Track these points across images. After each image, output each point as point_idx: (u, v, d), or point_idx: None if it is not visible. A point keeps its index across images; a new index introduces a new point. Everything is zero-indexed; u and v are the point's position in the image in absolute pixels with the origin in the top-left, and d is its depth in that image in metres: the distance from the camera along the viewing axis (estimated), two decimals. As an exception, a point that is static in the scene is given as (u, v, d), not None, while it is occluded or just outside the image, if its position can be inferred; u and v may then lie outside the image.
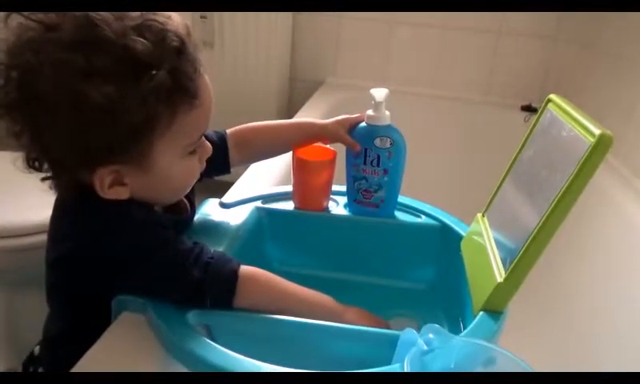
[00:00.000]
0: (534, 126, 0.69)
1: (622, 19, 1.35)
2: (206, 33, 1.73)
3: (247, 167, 1.06)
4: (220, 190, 0.91)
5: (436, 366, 0.50)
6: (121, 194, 0.59)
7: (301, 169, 0.83)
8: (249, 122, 0.83)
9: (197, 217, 0.79)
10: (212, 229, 0.78)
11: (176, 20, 0.57)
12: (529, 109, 1.68)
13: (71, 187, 0.60)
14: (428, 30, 1.76)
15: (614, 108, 1.33)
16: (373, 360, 0.53)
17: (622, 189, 1.19)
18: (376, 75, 1.82)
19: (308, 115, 1.52)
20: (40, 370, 0.73)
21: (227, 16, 1.70)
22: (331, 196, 0.87)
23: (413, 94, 1.76)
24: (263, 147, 0.84)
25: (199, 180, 0.70)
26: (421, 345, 0.51)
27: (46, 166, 0.59)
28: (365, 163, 0.81)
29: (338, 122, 0.82)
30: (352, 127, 0.82)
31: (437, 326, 0.52)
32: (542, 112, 0.68)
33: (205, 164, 0.67)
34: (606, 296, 1.07)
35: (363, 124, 0.81)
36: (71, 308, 0.67)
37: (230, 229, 0.78)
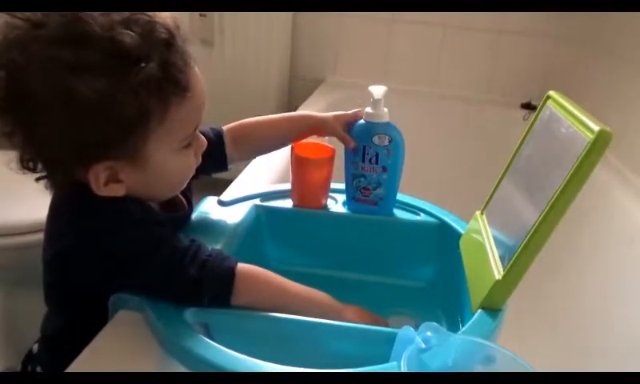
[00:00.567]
0: (533, 122, 0.69)
1: (622, 18, 1.35)
2: (205, 31, 1.73)
3: (245, 165, 1.05)
4: (218, 187, 0.91)
5: (434, 363, 0.50)
6: (117, 190, 0.59)
7: (299, 166, 0.83)
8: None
9: (195, 215, 0.79)
10: (210, 227, 0.78)
11: (164, 14, 0.57)
12: (528, 107, 1.67)
13: (67, 186, 0.60)
14: (428, 29, 1.75)
15: (614, 106, 1.33)
16: (370, 358, 0.53)
17: (621, 186, 1.19)
18: (376, 73, 1.81)
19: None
20: (38, 368, 0.72)
21: (227, 14, 1.70)
22: (330, 194, 0.87)
23: (413, 92, 1.76)
24: (261, 142, 0.84)
25: (196, 177, 0.70)
26: (419, 342, 0.50)
27: (40, 166, 0.58)
28: (363, 161, 0.81)
29: (335, 116, 0.82)
30: (348, 123, 0.81)
31: (435, 323, 0.52)
32: (541, 109, 0.68)
33: (200, 159, 0.67)
34: (606, 293, 1.07)
35: (362, 121, 0.80)
36: (68, 307, 0.67)
37: (229, 227, 0.78)
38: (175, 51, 0.56)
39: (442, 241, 0.81)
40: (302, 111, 0.85)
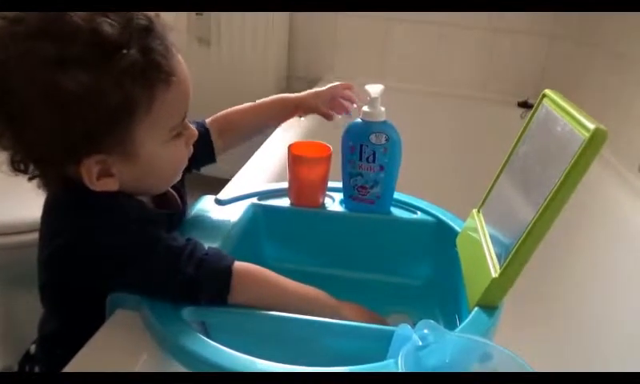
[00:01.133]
0: (530, 121, 0.69)
1: (619, 16, 1.35)
2: (202, 30, 1.73)
3: (243, 164, 1.05)
4: (216, 186, 0.91)
5: (431, 361, 0.50)
6: (110, 185, 0.59)
7: (297, 165, 0.83)
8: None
9: (193, 214, 0.79)
10: (208, 226, 0.78)
11: None
12: (525, 105, 1.68)
13: (60, 183, 0.60)
14: (424, 27, 1.76)
15: (611, 104, 1.33)
16: (368, 355, 0.53)
17: (618, 184, 1.19)
18: (373, 72, 1.81)
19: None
20: (36, 368, 0.72)
21: (224, 13, 1.70)
22: (327, 192, 0.87)
23: (409, 90, 1.76)
24: (246, 128, 0.85)
25: (188, 171, 0.70)
26: (416, 340, 0.51)
27: (32, 167, 0.58)
28: (360, 159, 0.81)
29: (314, 93, 0.84)
30: (327, 98, 0.84)
31: (432, 321, 0.52)
32: (537, 107, 0.68)
33: (192, 149, 0.67)
34: (602, 291, 1.07)
35: (359, 120, 0.81)
36: (65, 307, 0.67)
37: (226, 226, 0.78)
38: (155, 37, 0.56)
39: (439, 239, 0.81)
40: (280, 94, 0.86)
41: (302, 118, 0.88)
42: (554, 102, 0.64)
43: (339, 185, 0.86)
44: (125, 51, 0.53)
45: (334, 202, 0.87)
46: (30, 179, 0.60)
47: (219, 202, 0.83)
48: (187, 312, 0.60)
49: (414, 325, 0.53)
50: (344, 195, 0.86)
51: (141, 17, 0.55)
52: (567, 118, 0.59)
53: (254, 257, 0.69)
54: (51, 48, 0.51)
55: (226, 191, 0.89)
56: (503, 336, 0.61)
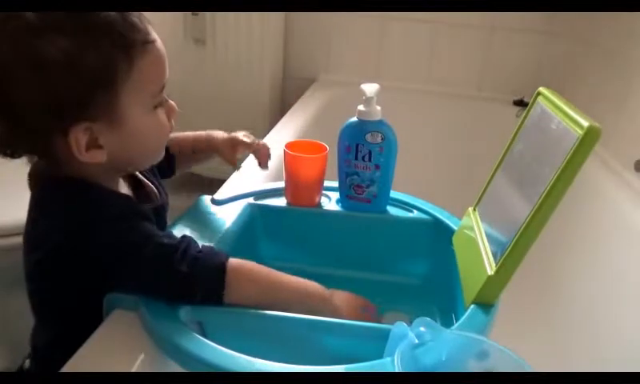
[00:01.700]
0: (524, 119, 0.69)
1: (614, 14, 1.36)
2: (197, 30, 1.72)
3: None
4: (212, 186, 0.91)
5: (427, 359, 0.50)
6: (99, 156, 0.59)
7: (292, 165, 0.83)
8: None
9: (189, 214, 0.79)
10: (204, 226, 0.78)
11: None
12: (521, 103, 1.68)
13: (51, 162, 0.61)
14: (420, 26, 1.76)
15: (606, 102, 1.34)
16: (364, 354, 0.53)
17: (612, 181, 1.20)
18: (368, 71, 1.82)
19: (300, 112, 1.52)
20: None
21: (219, 13, 1.70)
22: (323, 192, 0.87)
23: (405, 89, 1.77)
24: (181, 156, 0.84)
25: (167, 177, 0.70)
26: (412, 338, 0.51)
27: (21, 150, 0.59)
28: (356, 158, 0.81)
29: (231, 139, 0.83)
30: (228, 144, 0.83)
31: (428, 319, 0.52)
32: (531, 105, 0.69)
33: (174, 125, 0.67)
34: (598, 288, 1.08)
35: (354, 119, 0.81)
36: (58, 314, 0.66)
37: (223, 225, 0.78)
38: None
39: (435, 237, 0.82)
40: (215, 131, 0.86)
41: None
42: (548, 99, 0.65)
43: (335, 184, 0.86)
44: (102, 14, 0.54)
45: (330, 202, 0.87)
46: (15, 157, 0.60)
47: (215, 202, 0.83)
48: (184, 312, 0.60)
49: (410, 323, 0.53)
50: (340, 194, 0.86)
51: None
52: (561, 115, 0.59)
53: (250, 256, 0.69)
54: (32, 17, 0.52)
55: (223, 191, 0.89)
56: (499, 333, 0.61)
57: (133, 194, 0.70)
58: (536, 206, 0.56)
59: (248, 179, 1.00)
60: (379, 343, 0.55)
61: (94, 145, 0.59)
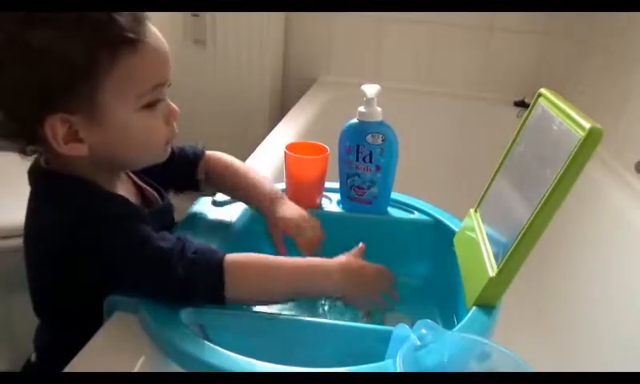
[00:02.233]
0: (526, 120, 0.69)
1: (614, 15, 1.36)
2: (198, 31, 1.72)
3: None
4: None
5: (429, 360, 0.50)
6: (79, 150, 0.59)
7: (293, 166, 0.83)
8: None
9: (190, 216, 0.79)
10: (204, 227, 0.78)
11: None
12: (522, 104, 1.68)
13: (38, 149, 0.62)
14: (420, 27, 1.76)
15: (607, 102, 1.34)
16: (366, 356, 0.53)
17: (614, 182, 1.19)
18: (368, 72, 1.81)
19: (301, 113, 1.52)
20: None
21: (220, 14, 1.70)
22: (324, 193, 0.87)
23: (406, 90, 1.77)
24: (227, 190, 0.83)
25: (166, 189, 0.71)
26: (414, 340, 0.51)
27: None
28: (357, 160, 0.81)
29: (282, 219, 0.77)
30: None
31: (429, 321, 0.52)
32: (533, 106, 0.68)
33: (176, 129, 0.66)
34: (600, 289, 1.08)
35: (355, 120, 0.81)
36: (58, 318, 0.66)
37: (223, 227, 0.78)
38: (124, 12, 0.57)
39: (437, 239, 0.82)
40: (273, 188, 0.80)
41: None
42: (549, 101, 0.64)
43: (336, 185, 0.86)
44: (91, 12, 0.54)
45: (331, 203, 0.87)
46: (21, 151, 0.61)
47: (216, 204, 0.83)
48: (185, 314, 0.60)
49: (412, 324, 0.53)
50: (341, 196, 0.86)
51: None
52: (563, 116, 0.59)
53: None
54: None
55: (223, 192, 0.89)
56: (501, 335, 0.61)
57: (138, 199, 0.70)
58: (538, 208, 0.56)
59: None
60: (381, 345, 0.55)
61: (74, 138, 0.58)
